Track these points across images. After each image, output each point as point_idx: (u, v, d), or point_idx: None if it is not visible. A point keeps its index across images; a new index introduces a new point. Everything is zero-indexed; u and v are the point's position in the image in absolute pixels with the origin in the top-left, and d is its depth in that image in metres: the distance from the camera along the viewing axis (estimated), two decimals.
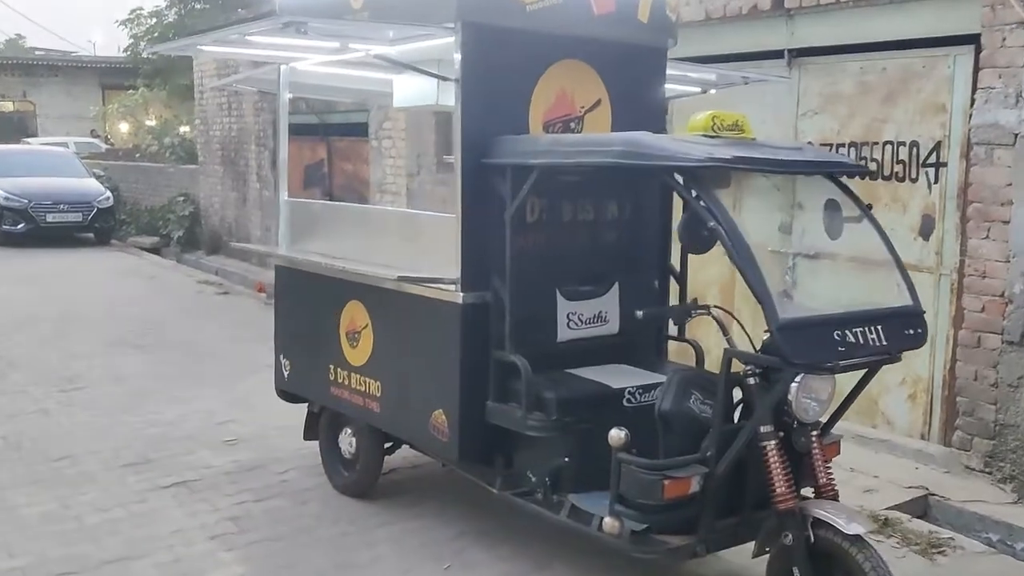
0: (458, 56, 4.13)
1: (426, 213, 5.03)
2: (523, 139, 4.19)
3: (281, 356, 5.60)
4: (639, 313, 3.90)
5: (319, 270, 5.17)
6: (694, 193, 3.41)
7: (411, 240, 4.74)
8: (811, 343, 3.28)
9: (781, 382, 3.42)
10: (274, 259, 5.64)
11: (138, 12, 25.74)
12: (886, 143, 6.13)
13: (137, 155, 23.11)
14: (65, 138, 27.38)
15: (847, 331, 3.38)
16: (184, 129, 21.67)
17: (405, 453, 5.28)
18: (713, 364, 4.59)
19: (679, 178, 3.65)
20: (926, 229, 5.96)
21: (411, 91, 5.51)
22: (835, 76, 6.39)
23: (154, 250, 16.87)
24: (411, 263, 4.61)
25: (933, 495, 5.45)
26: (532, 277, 4.25)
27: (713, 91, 5.46)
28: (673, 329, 4.83)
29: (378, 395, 4.80)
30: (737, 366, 3.61)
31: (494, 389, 4.23)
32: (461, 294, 4.20)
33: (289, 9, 5.32)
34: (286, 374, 5.57)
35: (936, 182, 5.87)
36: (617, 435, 3.63)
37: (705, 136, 3.69)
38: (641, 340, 4.80)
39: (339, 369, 5.07)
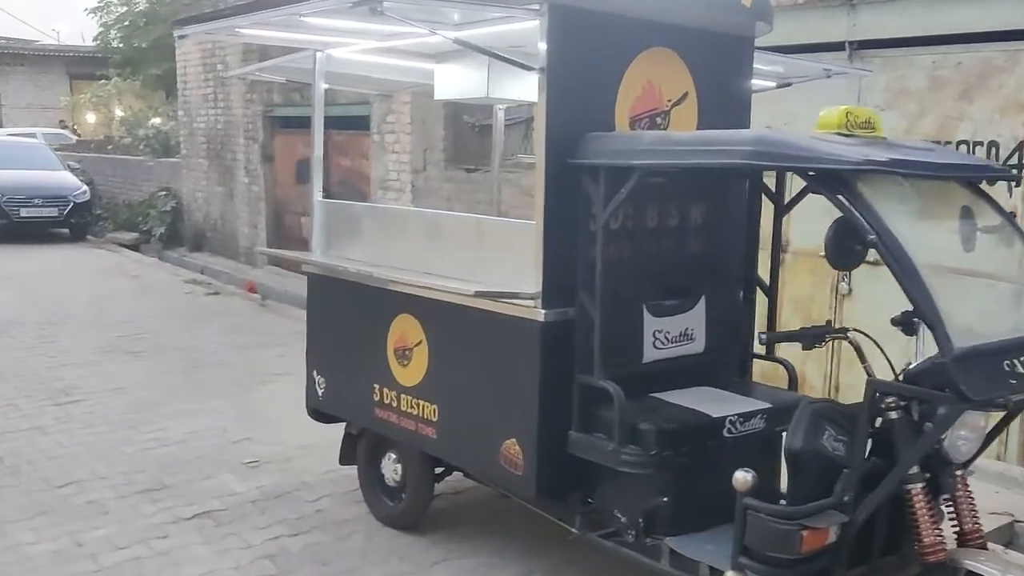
0: (544, 43, 3.65)
1: (496, 219, 4.55)
2: (619, 137, 3.72)
3: (315, 372, 5.09)
4: (762, 336, 3.44)
5: (362, 279, 4.65)
6: (846, 201, 2.95)
7: (475, 248, 4.24)
8: (985, 376, 2.85)
9: (943, 419, 2.98)
10: (307, 266, 5.11)
11: (108, 1, 24.99)
12: (960, 143, 5.73)
13: (110, 147, 22.35)
14: (32, 129, 26.47)
15: (1016, 361, 2.95)
16: (156, 120, 20.94)
17: (449, 477, 4.80)
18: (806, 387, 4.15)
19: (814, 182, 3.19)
20: None
21: (456, 82, 5.04)
22: (903, 70, 5.97)
23: (133, 247, 16.18)
24: (475, 274, 4.13)
25: (1019, 522, 5.06)
26: (618, 291, 3.78)
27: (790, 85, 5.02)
28: (758, 346, 4.39)
29: (434, 419, 4.31)
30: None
31: (578, 417, 3.76)
32: (543, 311, 3.72)
33: None
34: (320, 392, 5.06)
35: (1018, 185, 5.47)
36: (743, 478, 3.17)
37: (839, 135, 3.24)
38: (726, 359, 4.36)
39: (385, 389, 4.57)
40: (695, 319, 4.13)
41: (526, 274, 3.82)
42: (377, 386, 4.62)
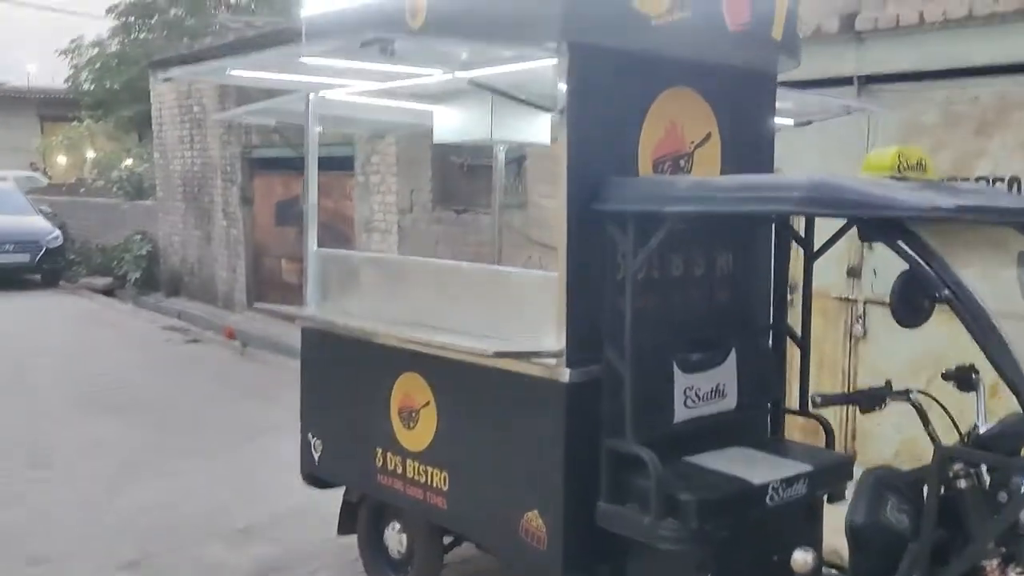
0: (563, 84, 3.38)
1: (511, 269, 4.25)
2: (649, 181, 3.46)
3: (310, 435, 4.76)
4: (817, 398, 3.16)
5: (362, 335, 4.35)
6: (912, 252, 2.69)
7: (488, 301, 3.96)
8: None
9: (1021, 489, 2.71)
10: (301, 321, 4.79)
11: (79, 42, 24.74)
12: (979, 179, 5.52)
13: (82, 190, 21.93)
14: (3, 172, 25.98)
15: None
16: (128, 162, 20.57)
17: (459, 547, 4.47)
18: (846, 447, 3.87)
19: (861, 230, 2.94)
20: None
21: (457, 124, 4.79)
22: (915, 105, 5.77)
23: (108, 292, 15.76)
24: (488, 329, 3.84)
25: None
26: (647, 346, 3.50)
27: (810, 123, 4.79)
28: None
29: (444, 488, 3.99)
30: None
31: (607, 486, 3.46)
32: (567, 370, 3.43)
33: (318, 30, 4.57)
34: (316, 456, 4.72)
35: None
36: (803, 559, 2.90)
37: (892, 178, 3.00)
38: (757, 415, 4.09)
39: (389, 454, 4.25)
40: (726, 374, 3.85)
41: (546, 329, 3.54)
42: (380, 450, 4.30)
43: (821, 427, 4.03)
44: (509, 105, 4.61)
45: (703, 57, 3.72)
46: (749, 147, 4.07)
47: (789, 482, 3.52)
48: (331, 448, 4.64)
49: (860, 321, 6.12)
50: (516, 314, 3.79)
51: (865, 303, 6.08)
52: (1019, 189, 5.37)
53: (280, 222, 12.61)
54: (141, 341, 11.43)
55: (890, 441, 5.69)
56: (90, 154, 26.16)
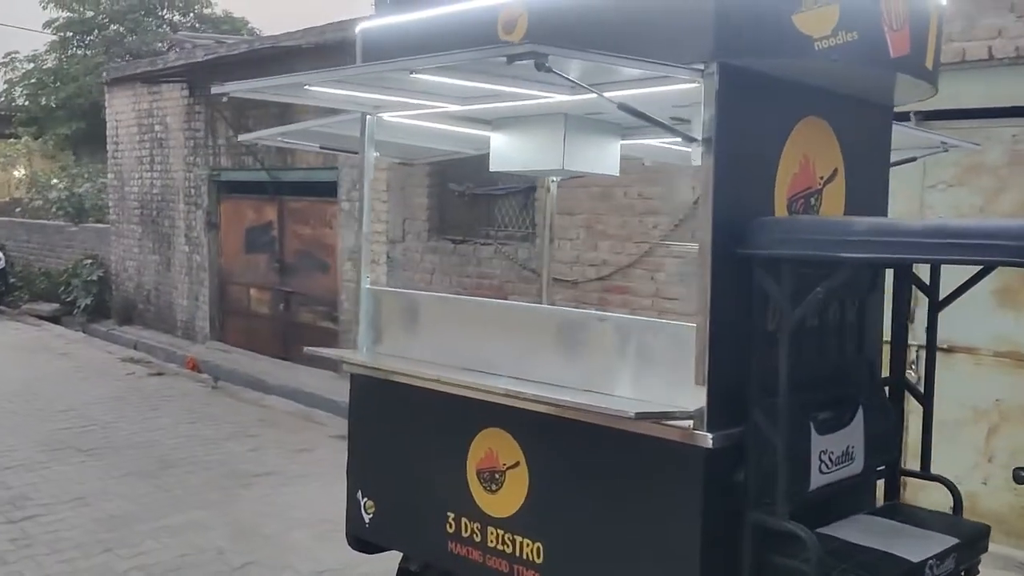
0: (709, 109, 3.00)
1: (632, 317, 3.80)
2: (817, 223, 3.09)
3: (359, 493, 4.25)
4: (1021, 473, 2.79)
5: (432, 384, 3.87)
6: None
7: (572, 348, 3.54)
8: None
9: None
10: (350, 367, 4.29)
11: (13, 56, 23.77)
12: None
13: (17, 209, 20.86)
14: None
15: None
16: (55, 182, 19.56)
17: None
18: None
19: None
20: None
21: (519, 152, 4.36)
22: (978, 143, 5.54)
23: (54, 319, 14.87)
24: (577, 379, 3.43)
25: None
26: (789, 406, 3.11)
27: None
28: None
29: (538, 561, 3.53)
30: None
31: (750, 568, 3.05)
32: (709, 434, 3.01)
33: (376, 46, 4.14)
34: (367, 518, 4.21)
35: None
36: None
37: None
38: (876, 479, 3.73)
39: (464, 519, 3.77)
40: (854, 434, 3.47)
41: (671, 385, 3.14)
42: (452, 515, 3.82)
43: (948, 491, 3.69)
44: (583, 133, 4.29)
45: (832, 84, 3.37)
46: (868, 185, 3.74)
47: (941, 557, 3.17)
48: (387, 510, 4.14)
49: (913, 367, 5.83)
50: (610, 364, 3.38)
51: (918, 349, 5.80)
52: None
53: (250, 249, 12.00)
54: (100, 373, 10.68)
55: None
56: (16, 173, 25.00)
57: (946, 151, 4.50)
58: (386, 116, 4.24)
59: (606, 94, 3.37)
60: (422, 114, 4.27)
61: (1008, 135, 5.46)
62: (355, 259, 10.09)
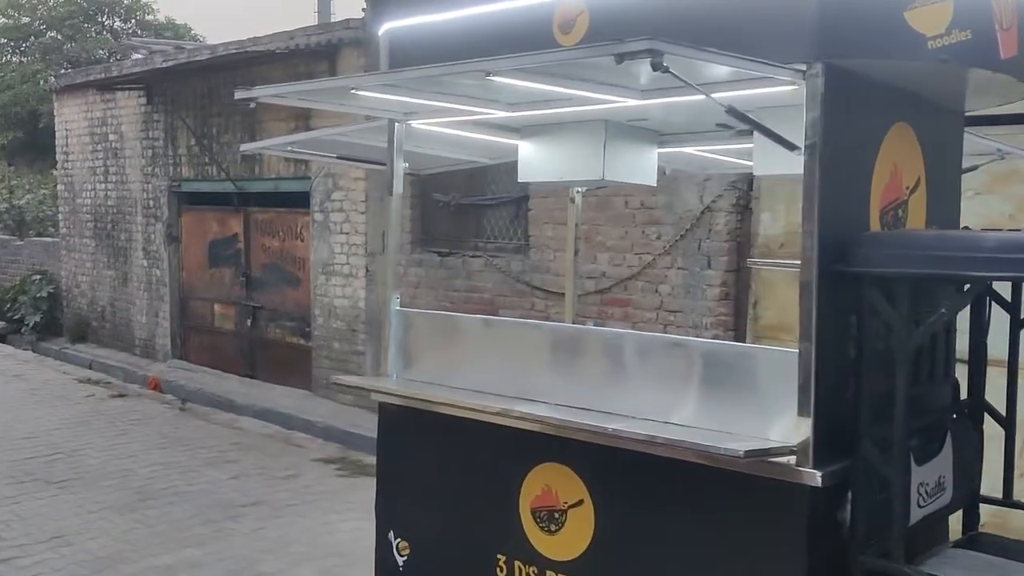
0: (813, 113, 2.74)
1: (717, 343, 3.52)
2: (940, 239, 2.84)
3: (391, 534, 3.90)
4: None
5: (488, 416, 3.55)
6: None
7: (654, 376, 3.25)
8: None
9: None
10: (380, 396, 3.94)
11: None
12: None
13: None
14: None
15: None
16: None
17: None
18: None
19: None
20: None
21: (550, 161, 4.08)
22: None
23: (0, 337, 14.14)
24: (658, 411, 3.16)
25: None
26: (890, 437, 2.86)
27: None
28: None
29: None
30: None
31: None
32: (817, 472, 2.74)
33: (405, 46, 3.82)
34: (400, 560, 3.87)
35: None
36: None
37: None
38: (959, 508, 3.50)
39: (518, 562, 3.46)
40: (945, 463, 3.23)
41: (750, 414, 2.90)
42: (502, 557, 3.51)
43: None
44: (619, 140, 4.02)
45: (920, 88, 3.14)
46: (944, 194, 3.52)
47: None
48: (424, 552, 3.80)
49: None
50: (672, 391, 3.13)
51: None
52: None
53: (214, 262, 11.50)
54: (58, 396, 10.11)
55: None
56: None
57: (1003, 158, 4.32)
58: (415, 123, 3.91)
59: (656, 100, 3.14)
60: (451, 121, 3.97)
61: None
62: (330, 272, 9.74)
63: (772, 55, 2.73)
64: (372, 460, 7.89)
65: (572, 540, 3.32)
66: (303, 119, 9.97)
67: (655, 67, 2.34)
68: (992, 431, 3.53)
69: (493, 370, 3.74)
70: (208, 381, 10.94)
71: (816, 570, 2.80)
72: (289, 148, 4.47)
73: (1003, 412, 3.54)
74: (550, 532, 3.38)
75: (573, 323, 4.89)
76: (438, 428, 3.72)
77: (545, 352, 3.69)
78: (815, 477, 2.74)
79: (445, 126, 4.01)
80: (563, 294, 7.51)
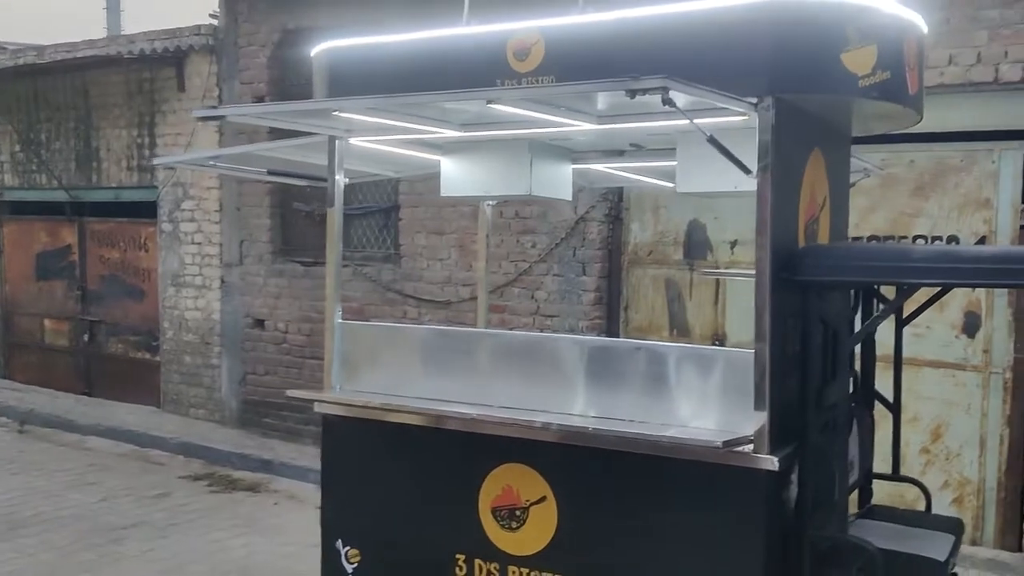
0: (766, 139, 3.10)
1: (645, 343, 3.74)
2: (876, 250, 3.32)
3: (339, 543, 3.98)
4: None
5: (430, 421, 3.73)
6: None
7: (599, 377, 3.55)
8: None
9: None
10: (323, 406, 4.01)
11: None
12: (917, 237, 5.88)
13: None
14: None
15: None
16: None
17: None
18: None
19: None
20: (970, 327, 5.75)
21: (478, 178, 4.31)
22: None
23: None
24: (594, 407, 3.49)
25: None
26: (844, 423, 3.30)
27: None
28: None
29: None
30: None
31: None
32: (774, 458, 3.09)
33: (344, 69, 3.93)
34: (350, 568, 3.95)
35: None
36: None
37: None
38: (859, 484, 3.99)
39: (478, 560, 3.65)
40: (854, 443, 3.72)
41: (692, 409, 3.26)
42: (462, 556, 3.68)
43: (920, 491, 4.01)
44: (541, 158, 4.29)
45: (832, 116, 3.60)
46: (839, 210, 4.00)
47: (952, 553, 3.46)
48: (376, 558, 3.90)
49: None
50: (619, 390, 3.46)
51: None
52: None
53: (43, 275, 10.88)
54: None
55: None
56: None
57: (868, 176, 4.89)
58: (354, 140, 4.02)
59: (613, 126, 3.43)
60: (387, 139, 4.10)
61: (877, 160, 5.99)
62: (180, 284, 9.46)
63: (737, 90, 3.07)
64: (240, 475, 7.89)
65: (534, 536, 3.53)
66: (147, 125, 9.65)
67: (665, 101, 2.61)
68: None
69: (439, 378, 3.91)
70: (40, 401, 10.34)
71: (772, 547, 3.15)
72: (211, 163, 4.44)
73: (890, 399, 4.07)
74: (511, 529, 3.58)
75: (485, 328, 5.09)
76: (389, 436, 3.84)
77: (489, 358, 3.91)
78: (773, 462, 3.10)
79: (380, 143, 4.14)
80: (437, 302, 7.72)
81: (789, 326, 3.21)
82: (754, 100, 3.08)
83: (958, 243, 5.77)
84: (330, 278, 4.07)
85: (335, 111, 3.25)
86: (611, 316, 6.98)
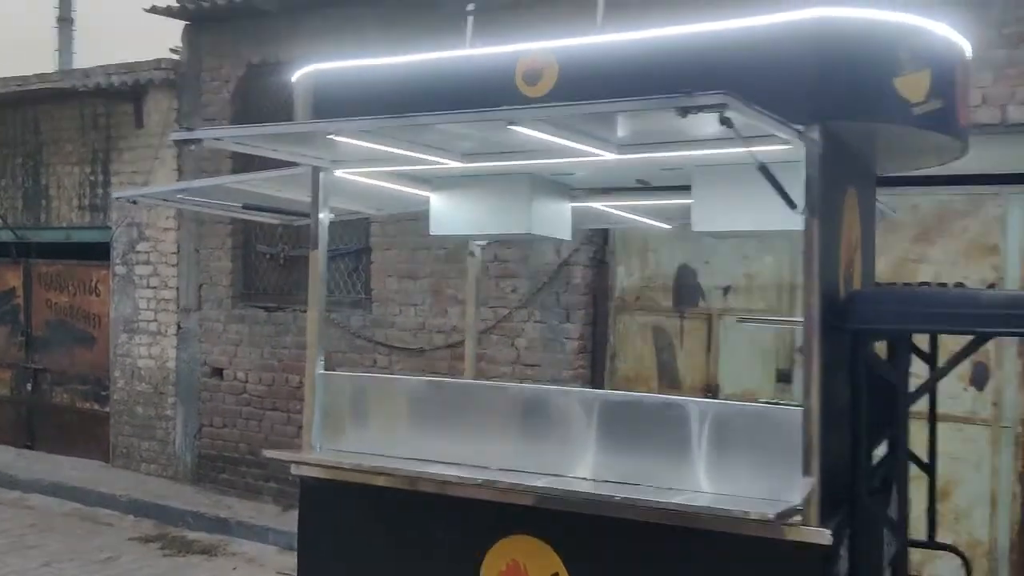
0: (813, 171, 2.79)
1: (676, 399, 3.37)
2: (934, 296, 2.97)
3: None
4: None
5: (424, 486, 3.32)
6: None
7: (637, 436, 3.17)
8: None
9: None
10: (301, 468, 3.57)
11: None
12: (922, 283, 5.60)
13: None
14: None
15: None
16: None
17: None
18: None
19: None
20: (979, 378, 5.48)
21: (473, 215, 3.96)
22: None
23: None
24: (614, 471, 3.13)
25: None
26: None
27: None
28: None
29: None
30: None
31: None
32: (826, 531, 2.74)
33: (332, 92, 3.57)
34: None
35: None
36: None
37: None
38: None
39: None
40: (893, 508, 3.37)
41: (742, 473, 2.89)
42: None
43: (960, 559, 3.68)
44: (541, 194, 3.96)
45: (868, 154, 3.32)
46: (869, 251, 3.70)
47: None
48: None
49: None
50: (642, 450, 3.10)
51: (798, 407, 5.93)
52: None
53: None
54: None
55: None
56: None
57: (883, 218, 4.61)
58: (339, 172, 3.64)
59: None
60: (375, 172, 3.74)
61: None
62: (134, 330, 8.93)
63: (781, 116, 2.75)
64: (196, 536, 7.34)
65: None
66: (101, 162, 9.18)
67: (723, 121, 2.28)
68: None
69: (431, 435, 3.54)
70: None
71: None
72: (180, 196, 4.02)
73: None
74: None
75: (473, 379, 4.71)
76: (377, 503, 3.43)
77: (487, 413, 3.53)
78: (824, 536, 2.74)
79: (368, 176, 3.77)
80: (410, 349, 7.30)
81: (841, 380, 2.89)
82: (800, 127, 2.77)
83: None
84: (312, 325, 3.66)
85: (330, 134, 2.87)
86: (596, 365, 6.61)
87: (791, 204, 2.80)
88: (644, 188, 4.17)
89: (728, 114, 2.27)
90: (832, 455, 2.86)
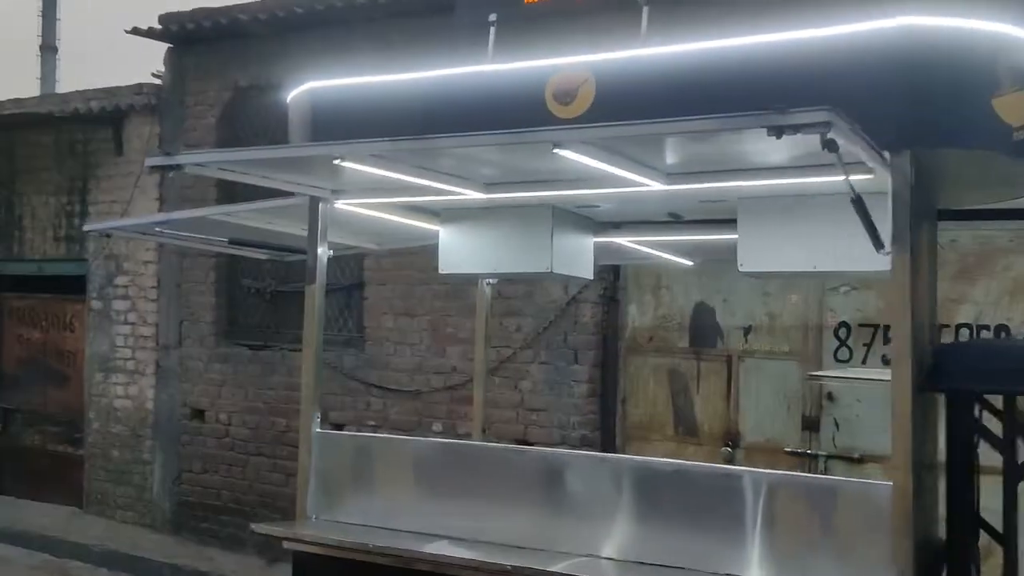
0: (903, 203, 2.39)
1: (767, 472, 2.94)
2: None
3: None
4: None
5: (433, 567, 2.87)
6: None
7: (684, 509, 2.74)
8: None
9: None
10: (293, 543, 3.11)
11: None
12: (961, 326, 5.23)
13: None
14: None
15: None
16: None
17: None
18: None
19: None
20: None
21: (487, 251, 3.56)
22: None
23: None
24: (648, 548, 2.68)
25: None
26: None
27: None
28: None
29: None
30: None
31: None
32: None
33: (335, 112, 3.16)
34: None
35: None
36: None
37: None
38: None
39: None
40: None
41: (806, 555, 2.47)
42: None
43: None
44: (563, 229, 3.55)
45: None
46: (930, 293, 3.30)
47: None
48: None
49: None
50: (687, 526, 2.67)
51: (827, 459, 5.51)
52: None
53: None
54: None
55: None
56: None
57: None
58: (340, 203, 3.22)
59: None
60: (378, 203, 3.33)
61: None
62: (110, 368, 8.43)
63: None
64: None
65: None
66: (78, 191, 8.73)
67: (825, 144, 1.87)
68: None
69: (439, 505, 3.10)
70: None
71: None
72: (157, 229, 3.59)
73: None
74: None
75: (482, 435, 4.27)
76: None
77: (502, 480, 3.09)
78: None
79: (372, 208, 3.35)
80: (405, 392, 6.85)
81: (935, 446, 2.47)
82: (886, 154, 2.37)
83: (1009, 333, 5.14)
84: (307, 375, 3.23)
85: (336, 159, 2.45)
86: (606, 411, 6.17)
87: (878, 244, 2.39)
88: (675, 222, 3.78)
89: (831, 135, 1.86)
90: (920, 532, 2.44)
